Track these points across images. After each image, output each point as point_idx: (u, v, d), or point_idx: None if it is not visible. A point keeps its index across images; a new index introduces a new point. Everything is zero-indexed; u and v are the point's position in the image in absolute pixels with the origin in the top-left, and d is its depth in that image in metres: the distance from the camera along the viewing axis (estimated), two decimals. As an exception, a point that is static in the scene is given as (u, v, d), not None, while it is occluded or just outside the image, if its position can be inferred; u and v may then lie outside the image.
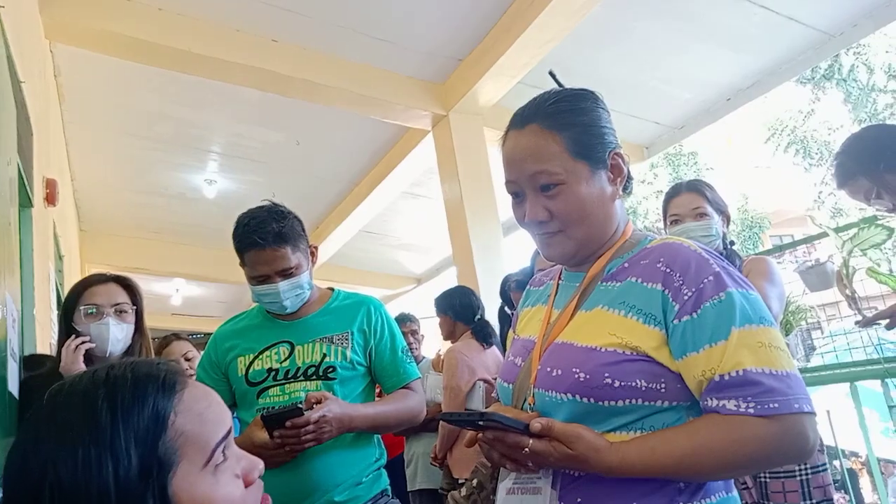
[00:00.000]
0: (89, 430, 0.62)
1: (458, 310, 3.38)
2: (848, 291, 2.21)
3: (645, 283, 0.97)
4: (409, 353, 1.88)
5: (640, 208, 14.26)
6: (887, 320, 1.92)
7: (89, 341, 1.79)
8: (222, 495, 0.67)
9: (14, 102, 2.28)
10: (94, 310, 1.82)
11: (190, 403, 0.68)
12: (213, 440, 0.68)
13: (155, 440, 0.63)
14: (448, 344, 3.44)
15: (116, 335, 1.82)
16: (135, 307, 1.90)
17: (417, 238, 8.07)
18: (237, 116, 5.19)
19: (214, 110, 5.08)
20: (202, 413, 0.69)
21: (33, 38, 3.22)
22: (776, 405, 0.84)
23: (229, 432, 0.71)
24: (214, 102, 4.93)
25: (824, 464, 1.93)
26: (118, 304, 1.85)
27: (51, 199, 3.28)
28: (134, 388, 0.66)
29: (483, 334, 3.27)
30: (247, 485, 0.72)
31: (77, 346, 1.76)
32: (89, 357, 1.80)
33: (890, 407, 2.95)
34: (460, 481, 2.96)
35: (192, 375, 1.53)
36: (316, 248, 1.85)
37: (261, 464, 0.75)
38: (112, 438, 0.62)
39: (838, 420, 3.50)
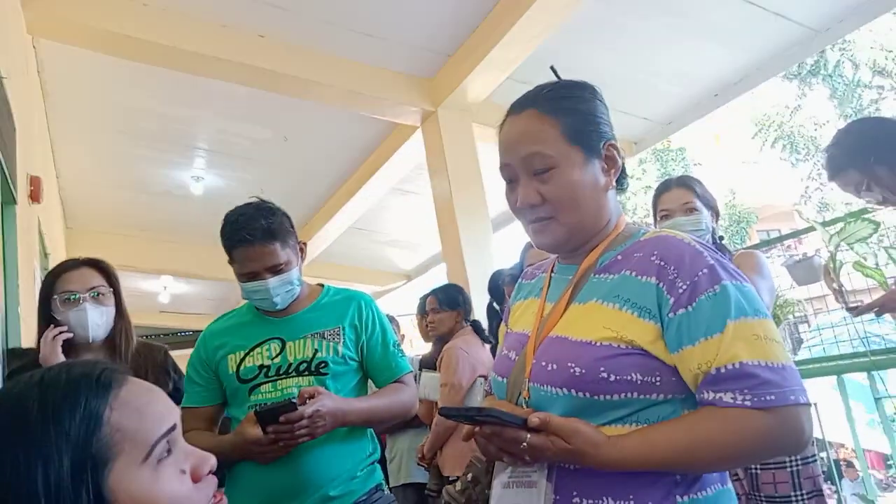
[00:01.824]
0: (19, 432, 0.63)
1: (464, 306, 3.41)
2: (835, 285, 2.23)
3: (639, 277, 0.96)
4: (400, 348, 1.88)
5: (629, 203, 14.33)
6: (877, 308, 2.01)
7: (67, 330, 1.75)
8: (165, 491, 0.66)
9: (-3, 98, 2.25)
10: (71, 297, 1.78)
11: (128, 399, 0.68)
12: (154, 435, 0.67)
13: (88, 438, 0.63)
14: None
15: (96, 320, 1.79)
16: (112, 289, 1.86)
17: (407, 234, 8.04)
18: (224, 113, 5.14)
19: (201, 106, 5.03)
20: (141, 409, 0.68)
21: (16, 33, 3.18)
22: (772, 397, 0.84)
23: (173, 428, 0.71)
24: (201, 98, 4.88)
25: (814, 455, 1.95)
26: (94, 288, 1.81)
27: (35, 196, 3.25)
28: (66, 389, 0.66)
29: (483, 330, 3.30)
30: (195, 480, 0.71)
31: (55, 337, 1.73)
32: (72, 346, 1.77)
33: (876, 399, 2.99)
34: (451, 478, 2.95)
35: None
36: (305, 244, 1.84)
37: (212, 459, 0.74)
38: (42, 440, 0.62)
39: (825, 412, 3.56)
